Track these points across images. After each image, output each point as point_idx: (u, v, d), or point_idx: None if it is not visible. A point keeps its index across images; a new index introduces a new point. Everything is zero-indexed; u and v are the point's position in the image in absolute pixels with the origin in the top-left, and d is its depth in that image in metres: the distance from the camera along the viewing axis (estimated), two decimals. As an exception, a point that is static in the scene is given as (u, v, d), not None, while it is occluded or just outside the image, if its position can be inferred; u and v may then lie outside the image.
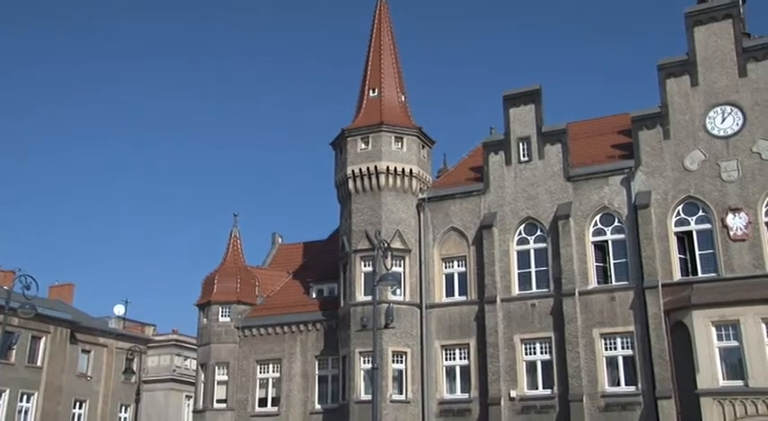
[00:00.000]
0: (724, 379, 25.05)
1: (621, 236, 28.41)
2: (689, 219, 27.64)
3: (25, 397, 43.07)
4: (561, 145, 30.01)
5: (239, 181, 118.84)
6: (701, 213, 27.48)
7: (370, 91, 33.77)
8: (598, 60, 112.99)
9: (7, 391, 41.36)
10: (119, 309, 52.74)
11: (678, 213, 27.81)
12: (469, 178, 32.17)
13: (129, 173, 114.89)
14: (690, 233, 27.54)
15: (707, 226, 27.25)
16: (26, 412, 43.08)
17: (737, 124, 27.66)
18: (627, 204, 28.42)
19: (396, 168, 31.44)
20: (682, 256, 27.37)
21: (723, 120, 27.93)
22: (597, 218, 28.94)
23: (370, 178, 31.41)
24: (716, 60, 28.48)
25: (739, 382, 24.76)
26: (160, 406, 54.08)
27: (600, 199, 28.94)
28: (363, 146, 31.86)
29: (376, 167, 31.34)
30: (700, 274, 26.85)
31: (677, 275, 27.09)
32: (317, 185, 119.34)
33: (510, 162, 30.74)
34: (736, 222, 26.64)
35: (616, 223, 28.63)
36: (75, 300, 53.84)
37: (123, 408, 49.20)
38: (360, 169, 31.52)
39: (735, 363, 25.09)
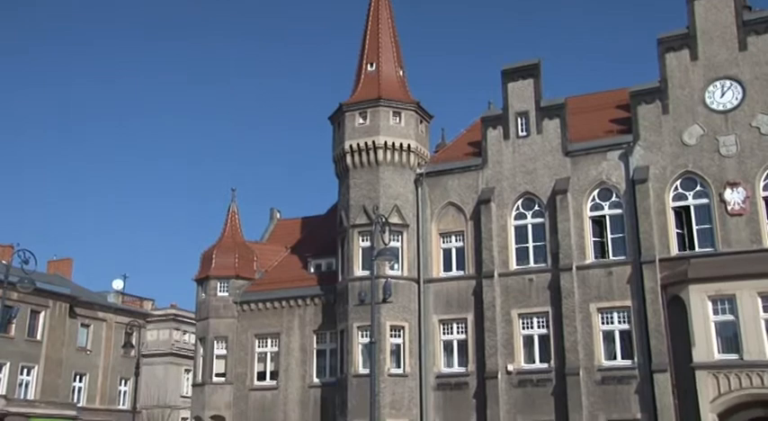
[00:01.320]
0: (719, 352, 25.23)
1: (619, 211, 28.43)
2: (687, 193, 27.65)
3: (25, 370, 43.36)
4: (560, 120, 29.91)
5: (238, 156, 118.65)
6: (698, 188, 27.48)
7: (368, 65, 33.56)
8: (598, 34, 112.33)
9: (8, 364, 41.64)
10: (117, 284, 52.96)
11: (676, 188, 27.81)
12: (467, 153, 32.10)
13: (127, 148, 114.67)
14: (687, 208, 27.55)
15: (705, 201, 27.26)
16: (27, 385, 43.41)
17: (737, 98, 27.56)
18: (625, 179, 28.40)
19: (394, 143, 31.35)
20: (679, 231, 27.41)
21: (722, 94, 27.83)
22: (595, 193, 28.94)
23: (368, 153, 31.33)
24: (716, 34, 28.30)
25: (734, 356, 24.94)
26: (159, 379, 54.52)
27: (598, 174, 28.92)
28: (361, 120, 31.74)
29: (374, 142, 31.25)
30: (697, 249, 26.91)
31: (674, 250, 27.16)
32: (315, 160, 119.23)
33: (508, 137, 30.65)
34: (733, 197, 26.65)
35: (614, 198, 28.64)
36: (74, 275, 54.07)
37: (123, 382, 49.57)
38: (357, 144, 31.43)
39: (730, 337, 25.25)
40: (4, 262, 29.22)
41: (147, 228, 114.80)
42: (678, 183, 27.79)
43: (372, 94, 32.07)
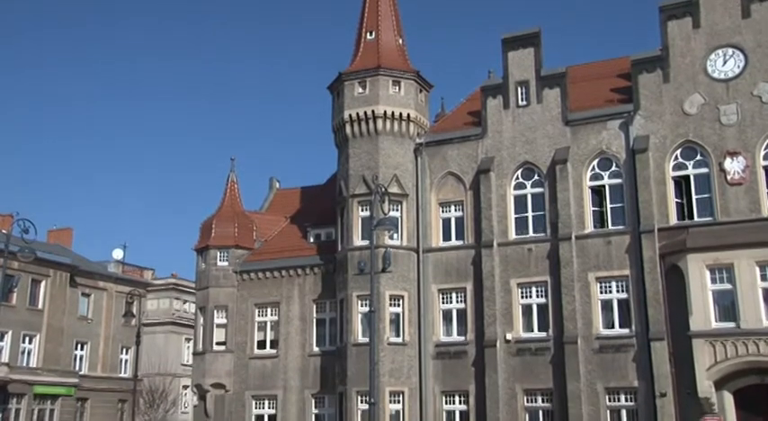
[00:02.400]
0: (716, 321, 25.39)
1: (619, 180, 28.40)
2: (687, 163, 27.60)
3: (27, 338, 43.66)
4: (560, 89, 29.75)
5: (237, 125, 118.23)
6: (698, 157, 27.42)
7: (368, 34, 33.27)
8: (599, 2, 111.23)
9: (10, 333, 41.90)
10: (117, 254, 53.09)
11: (676, 157, 27.75)
12: (467, 122, 31.97)
13: (127, 118, 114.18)
14: (687, 177, 27.53)
15: (704, 170, 27.22)
16: (29, 353, 43.74)
17: (738, 67, 27.38)
18: (625, 149, 28.33)
19: (393, 112, 31.20)
20: (678, 201, 27.42)
21: (724, 62, 27.64)
22: (595, 162, 28.88)
23: (367, 122, 31.20)
24: (719, 1, 28.01)
25: (731, 324, 25.11)
26: (160, 348, 54.92)
27: (598, 143, 28.83)
28: (360, 90, 31.55)
29: (373, 112, 31.10)
30: (696, 218, 26.94)
31: (673, 220, 27.19)
32: (315, 130, 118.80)
33: (508, 106, 30.51)
34: (733, 166, 26.61)
35: (614, 168, 28.59)
36: (74, 245, 54.16)
37: (124, 350, 49.94)
38: (357, 113, 31.28)
39: (727, 306, 25.41)
40: (3, 231, 29.26)
41: (146, 197, 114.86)
42: (678, 152, 27.73)
43: (372, 62, 31.84)
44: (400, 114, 31.25)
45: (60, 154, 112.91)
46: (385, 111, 31.09)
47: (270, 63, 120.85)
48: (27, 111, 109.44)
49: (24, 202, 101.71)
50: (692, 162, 27.52)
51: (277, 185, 41.29)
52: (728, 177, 26.60)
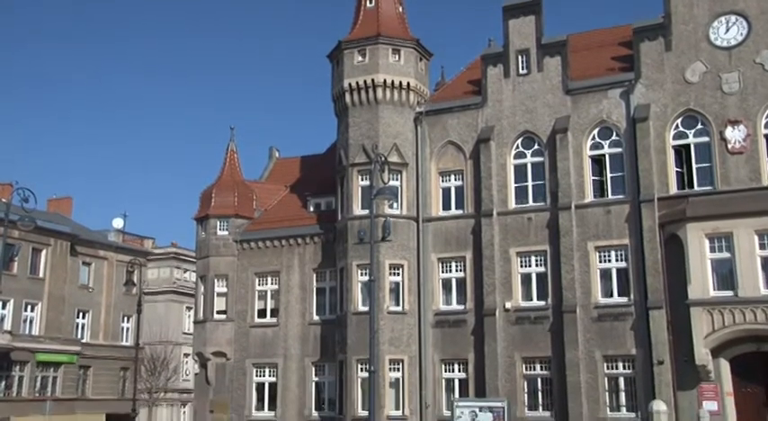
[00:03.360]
0: (714, 289, 25.51)
1: (619, 149, 28.33)
2: (687, 132, 27.50)
3: (29, 306, 43.89)
4: (561, 57, 29.53)
5: (237, 94, 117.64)
6: (699, 126, 27.32)
7: (367, 2, 32.90)
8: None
9: (11, 301, 42.11)
10: (117, 223, 53.15)
11: (677, 126, 27.65)
12: (467, 91, 31.80)
13: (126, 88, 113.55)
14: (687, 146, 27.45)
15: (705, 139, 27.14)
16: (31, 321, 44.01)
17: (741, 34, 27.15)
18: (625, 118, 28.21)
19: (393, 81, 31.01)
20: (678, 170, 27.38)
21: (727, 29, 27.40)
22: (595, 131, 28.78)
23: (367, 91, 31.02)
24: (722, -32, 27.70)
25: (729, 292, 25.23)
26: (161, 316, 55.25)
27: (598, 112, 28.71)
28: (360, 58, 31.32)
29: (373, 80, 30.91)
30: (696, 188, 26.91)
31: (673, 189, 27.17)
32: (314, 98, 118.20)
33: (508, 75, 30.31)
34: (734, 135, 26.53)
35: (614, 137, 28.50)
36: (74, 214, 54.20)
37: (125, 319, 50.25)
38: (357, 82, 31.09)
39: (726, 274, 25.50)
40: (3, 200, 29.22)
41: (145, 166, 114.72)
42: (679, 121, 27.62)
43: (371, 31, 31.56)
44: (400, 83, 31.08)
45: (59, 123, 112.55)
46: (385, 80, 30.91)
47: (269, 31, 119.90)
48: (27, 82, 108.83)
49: (23, 172, 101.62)
50: (692, 131, 27.42)
51: (277, 154, 41.20)
52: (729, 146, 26.53)
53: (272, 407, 32.44)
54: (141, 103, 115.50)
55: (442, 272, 30.32)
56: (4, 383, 41.12)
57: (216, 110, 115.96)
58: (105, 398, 47.05)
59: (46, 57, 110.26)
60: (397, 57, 31.30)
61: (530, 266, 28.87)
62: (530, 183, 29.48)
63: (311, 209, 34.59)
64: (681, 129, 27.60)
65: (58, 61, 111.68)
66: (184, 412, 56.03)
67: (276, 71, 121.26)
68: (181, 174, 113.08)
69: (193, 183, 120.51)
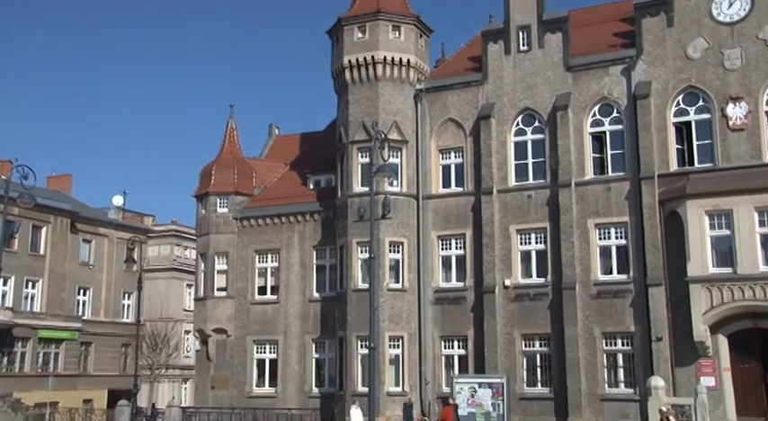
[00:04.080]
0: (714, 266, 25.55)
1: (619, 126, 28.24)
2: (688, 109, 27.40)
3: (30, 283, 43.97)
4: (562, 34, 29.33)
5: (236, 71, 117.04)
6: (701, 103, 27.21)
7: (367, -23, 32.60)
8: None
9: (12, 278, 42.17)
10: (117, 200, 53.08)
11: (678, 103, 27.54)
12: (468, 68, 31.63)
13: (126, 65, 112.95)
14: (688, 123, 27.36)
15: (706, 116, 27.04)
16: (32, 298, 44.11)
17: (744, 9, 26.94)
18: (626, 94, 28.09)
19: (393, 58, 30.83)
20: (679, 147, 27.31)
21: (730, 5, 27.19)
22: (596, 108, 28.67)
23: (366, 68, 30.85)
24: (725, -57, 27.42)
25: (728, 269, 25.28)
26: (162, 293, 55.38)
27: (599, 89, 28.58)
28: (360, 35, 31.11)
29: (373, 57, 30.73)
30: (696, 165, 26.87)
31: (674, 166, 27.13)
32: (314, 75, 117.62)
33: (509, 51, 30.13)
34: (735, 112, 26.42)
35: (614, 114, 28.40)
36: (74, 191, 54.09)
37: (126, 296, 50.35)
38: (356, 59, 30.92)
39: (725, 251, 25.54)
40: (3, 177, 29.12)
41: (145, 144, 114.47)
42: (680, 98, 27.50)
43: (371, 7, 31.31)
44: (400, 60, 30.90)
45: (59, 101, 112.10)
46: (385, 57, 30.73)
47: (269, 8, 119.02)
48: (26, 59, 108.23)
49: (23, 149, 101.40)
50: (693, 108, 27.32)
51: (276, 132, 41.09)
52: (730, 123, 26.45)
53: (273, 383, 32.67)
54: (140, 81, 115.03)
55: (442, 249, 30.37)
56: (6, 359, 41.33)
57: (215, 87, 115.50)
58: (107, 374, 47.31)
59: (45, 34, 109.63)
60: (397, 33, 31.10)
61: (529, 244, 28.91)
62: (530, 161, 29.42)
63: (311, 186, 34.57)
64: (682, 105, 27.49)
65: (58, 38, 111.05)
66: (185, 388, 56.38)
67: (276, 48, 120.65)
68: (180, 151, 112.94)
69: (193, 161, 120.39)
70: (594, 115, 28.71)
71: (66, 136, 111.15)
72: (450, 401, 25.04)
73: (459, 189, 30.40)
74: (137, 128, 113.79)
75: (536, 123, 29.48)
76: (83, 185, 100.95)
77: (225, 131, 36.80)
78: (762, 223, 25.21)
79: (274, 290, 33.53)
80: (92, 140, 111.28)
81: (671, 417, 20.73)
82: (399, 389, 28.88)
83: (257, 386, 33.08)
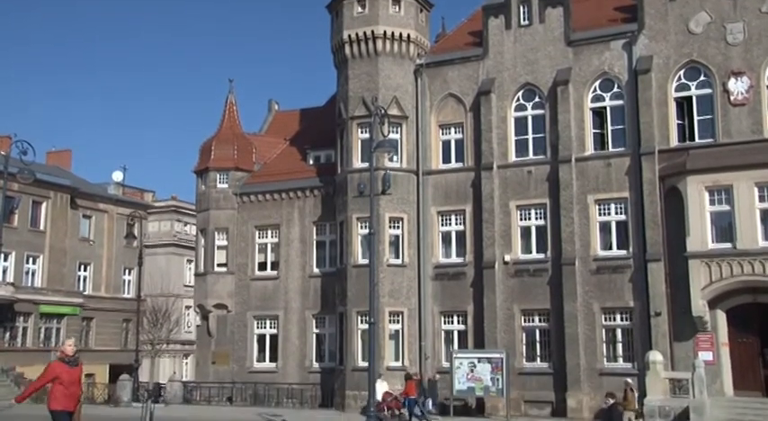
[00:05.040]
0: (713, 242, 25.59)
1: (620, 102, 28.12)
2: (690, 83, 27.26)
3: (31, 259, 44.07)
4: (563, 8, 29.09)
5: (236, 46, 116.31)
6: (702, 78, 27.07)
7: (367, -50, 32.25)
8: None
9: (13, 253, 42.26)
10: (117, 176, 53.01)
11: (679, 78, 27.39)
12: (468, 43, 31.42)
13: (125, 40, 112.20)
14: (689, 98, 27.24)
15: (707, 91, 26.91)
16: (33, 273, 44.25)
17: (747, -17, 26.70)
18: (627, 69, 27.93)
19: (393, 33, 30.62)
20: (680, 122, 27.22)
21: (732, -21, 26.93)
22: (597, 83, 28.53)
23: (366, 43, 30.66)
24: None
25: (728, 245, 25.30)
26: (162, 269, 55.51)
27: (600, 64, 28.42)
28: (360, 9, 30.86)
29: (373, 32, 30.52)
30: (697, 140, 26.80)
31: (674, 141, 27.06)
32: (314, 50, 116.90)
33: (510, 26, 29.91)
34: (737, 86, 26.29)
35: (615, 89, 28.27)
36: (73, 167, 54.01)
37: (127, 271, 50.50)
38: (356, 34, 30.71)
39: (725, 227, 25.56)
40: (2, 152, 29.01)
41: (145, 120, 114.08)
42: (682, 72, 27.36)
43: (371, -20, 31.00)
44: (400, 35, 30.70)
45: (57, 76, 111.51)
46: (385, 32, 30.52)
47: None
48: (25, 34, 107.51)
49: (21, 125, 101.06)
50: (695, 82, 27.18)
51: (276, 107, 40.94)
52: (732, 98, 26.32)
53: (274, 358, 32.87)
54: (139, 55, 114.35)
55: (442, 225, 30.39)
56: (8, 334, 41.55)
57: (215, 62, 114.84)
58: (108, 349, 47.60)
59: (43, 15, 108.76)
60: (397, 8, 30.85)
61: (529, 219, 28.93)
62: (530, 136, 29.34)
63: (311, 162, 34.52)
64: (683, 80, 27.35)
65: (57, 16, 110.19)
66: (186, 363, 56.75)
67: (275, 22, 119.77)
68: (180, 127, 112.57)
69: (193, 136, 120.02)
70: (595, 90, 28.58)
71: (65, 111, 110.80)
72: (413, 376, 26.22)
73: (460, 164, 30.35)
74: (136, 103, 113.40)
75: (536, 99, 29.35)
76: (82, 161, 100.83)
77: (224, 107, 36.67)
78: (762, 198, 25.19)
79: (274, 265, 33.62)
80: (91, 116, 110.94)
81: (631, 389, 22.74)
82: (399, 363, 29.05)
83: (258, 361, 33.29)
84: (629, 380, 23.90)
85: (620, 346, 27.13)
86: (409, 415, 25.17)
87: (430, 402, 26.59)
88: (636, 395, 23.19)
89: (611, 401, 21.70)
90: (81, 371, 11.49)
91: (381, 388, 26.20)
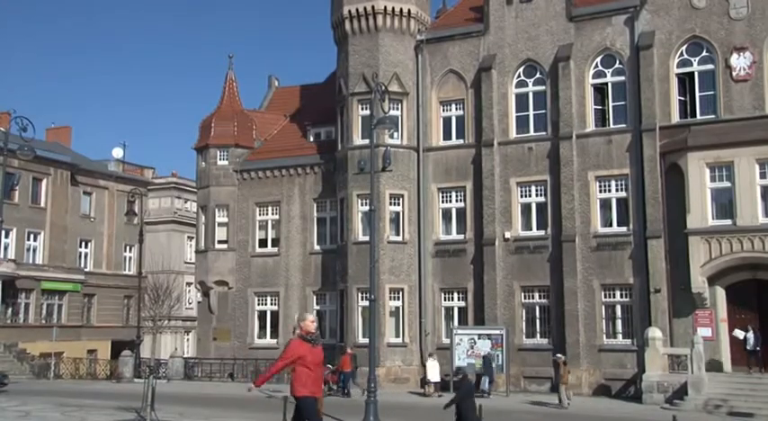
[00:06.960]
0: (713, 218, 25.58)
1: (622, 78, 27.97)
2: (692, 59, 27.09)
3: (32, 236, 44.13)
4: (565, -18, 28.85)
5: (235, 22, 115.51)
6: (704, 53, 26.89)
7: (367, -77, 31.90)
8: None
9: (14, 230, 42.30)
10: (117, 152, 52.91)
11: (681, 54, 27.22)
12: (469, 19, 31.19)
13: (126, 17, 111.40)
14: (691, 74, 27.09)
15: (710, 66, 26.76)
16: (34, 250, 44.32)
17: (751, -42, 26.43)
18: (629, 45, 27.75)
19: (393, 8, 30.38)
20: (681, 98, 27.10)
21: (736, -47, 26.65)
22: (598, 59, 28.36)
23: (366, 19, 30.43)
24: None
25: (728, 221, 25.30)
26: (163, 246, 55.54)
27: (602, 40, 28.23)
28: (359, -17, 30.58)
29: (373, 7, 30.28)
30: (698, 116, 26.69)
31: (675, 118, 26.95)
32: (314, 26, 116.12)
33: (511, 1, 29.66)
34: (740, 62, 26.11)
35: (617, 65, 28.10)
36: (73, 144, 53.87)
37: (128, 248, 50.59)
38: (356, 9, 30.47)
39: (725, 204, 25.54)
40: (1, 129, 28.88)
41: (145, 96, 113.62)
42: (684, 48, 27.18)
43: (371, -46, 30.69)
44: (401, 10, 30.46)
45: (57, 53, 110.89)
46: (385, 7, 30.29)
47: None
48: (24, 12, 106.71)
49: (21, 101, 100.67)
50: (697, 58, 27.01)
51: (276, 84, 40.72)
52: (734, 73, 26.17)
53: (274, 334, 33.03)
54: (140, 31, 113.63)
55: (442, 202, 30.38)
56: (11, 310, 41.72)
57: (214, 38, 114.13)
58: (110, 325, 47.82)
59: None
60: (397, -18, 30.55)
61: (530, 196, 28.91)
62: (531, 113, 29.23)
63: (311, 138, 34.44)
64: (685, 56, 27.18)
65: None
66: (188, 339, 56.99)
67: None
68: (180, 103, 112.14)
69: (193, 113, 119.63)
70: (597, 66, 28.41)
71: (64, 88, 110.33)
72: (349, 351, 26.96)
73: (460, 141, 30.27)
74: (136, 80, 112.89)
75: (537, 75, 29.20)
76: (82, 137, 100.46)
77: (224, 83, 36.50)
78: (762, 175, 25.15)
79: (275, 242, 33.67)
80: (91, 92, 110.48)
81: (564, 363, 23.52)
82: (399, 340, 29.20)
83: (258, 337, 33.47)
84: (560, 355, 24.40)
85: (619, 323, 27.24)
86: (344, 389, 25.73)
87: (487, 380, 25.46)
88: (567, 369, 23.66)
89: (461, 376, 20.28)
90: (322, 351, 9.89)
91: (433, 368, 26.01)
